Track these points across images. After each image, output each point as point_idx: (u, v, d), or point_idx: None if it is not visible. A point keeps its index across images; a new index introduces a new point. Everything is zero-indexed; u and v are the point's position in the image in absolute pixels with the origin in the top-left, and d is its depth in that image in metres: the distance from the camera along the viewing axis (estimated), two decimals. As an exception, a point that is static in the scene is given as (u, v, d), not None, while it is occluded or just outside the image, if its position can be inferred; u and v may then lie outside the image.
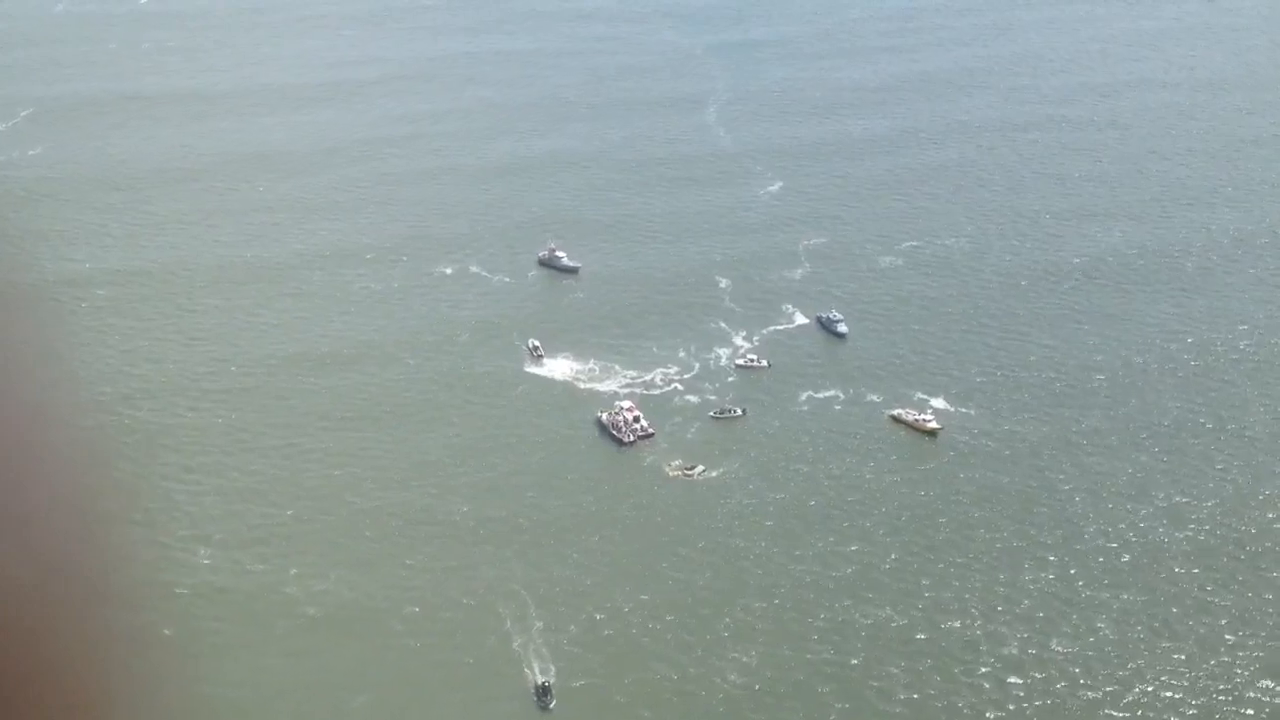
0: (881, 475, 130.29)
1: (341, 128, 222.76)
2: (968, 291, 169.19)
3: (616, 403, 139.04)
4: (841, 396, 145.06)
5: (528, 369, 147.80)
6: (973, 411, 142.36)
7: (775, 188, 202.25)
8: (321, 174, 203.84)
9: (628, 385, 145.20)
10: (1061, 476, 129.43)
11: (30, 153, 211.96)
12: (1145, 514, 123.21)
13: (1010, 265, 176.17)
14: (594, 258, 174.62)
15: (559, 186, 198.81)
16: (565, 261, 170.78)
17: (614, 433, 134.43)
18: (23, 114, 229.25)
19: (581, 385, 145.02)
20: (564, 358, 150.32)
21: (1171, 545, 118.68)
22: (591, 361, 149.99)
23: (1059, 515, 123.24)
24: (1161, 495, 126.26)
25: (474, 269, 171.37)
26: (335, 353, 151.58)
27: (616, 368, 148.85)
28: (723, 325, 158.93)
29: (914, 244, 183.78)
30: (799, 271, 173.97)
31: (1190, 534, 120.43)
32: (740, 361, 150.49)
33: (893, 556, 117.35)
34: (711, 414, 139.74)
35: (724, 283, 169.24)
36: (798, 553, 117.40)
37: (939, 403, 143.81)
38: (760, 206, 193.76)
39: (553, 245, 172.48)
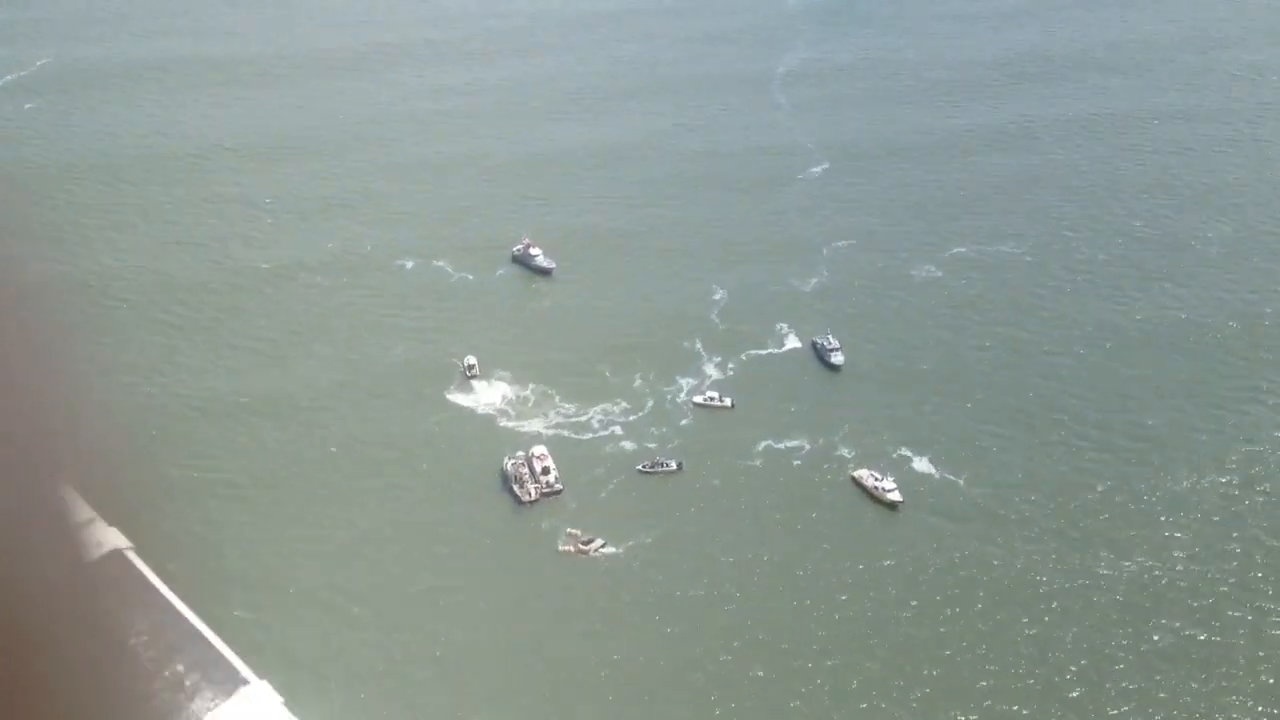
0: (819, 563, 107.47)
1: (360, 103, 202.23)
2: (1007, 323, 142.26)
3: (525, 450, 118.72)
4: (806, 448, 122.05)
5: (450, 395, 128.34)
6: (960, 482, 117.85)
7: (818, 170, 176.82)
8: (331, 159, 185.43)
9: (557, 425, 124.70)
10: (1029, 619, 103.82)
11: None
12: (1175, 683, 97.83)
13: (1067, 301, 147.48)
14: (577, 256, 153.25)
15: (572, 178, 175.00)
16: (539, 260, 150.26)
17: (514, 487, 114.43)
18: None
19: (503, 422, 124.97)
20: (499, 380, 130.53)
21: None
22: (530, 387, 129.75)
23: (1022, 660, 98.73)
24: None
25: (439, 263, 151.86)
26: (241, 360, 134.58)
27: (555, 398, 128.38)
28: (698, 347, 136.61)
29: (960, 250, 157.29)
30: (812, 281, 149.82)
31: None
32: (699, 399, 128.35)
33: (798, 695, 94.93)
34: (640, 467, 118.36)
35: (719, 294, 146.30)
36: (681, 679, 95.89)
37: (922, 464, 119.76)
38: (792, 197, 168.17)
39: (527, 240, 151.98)
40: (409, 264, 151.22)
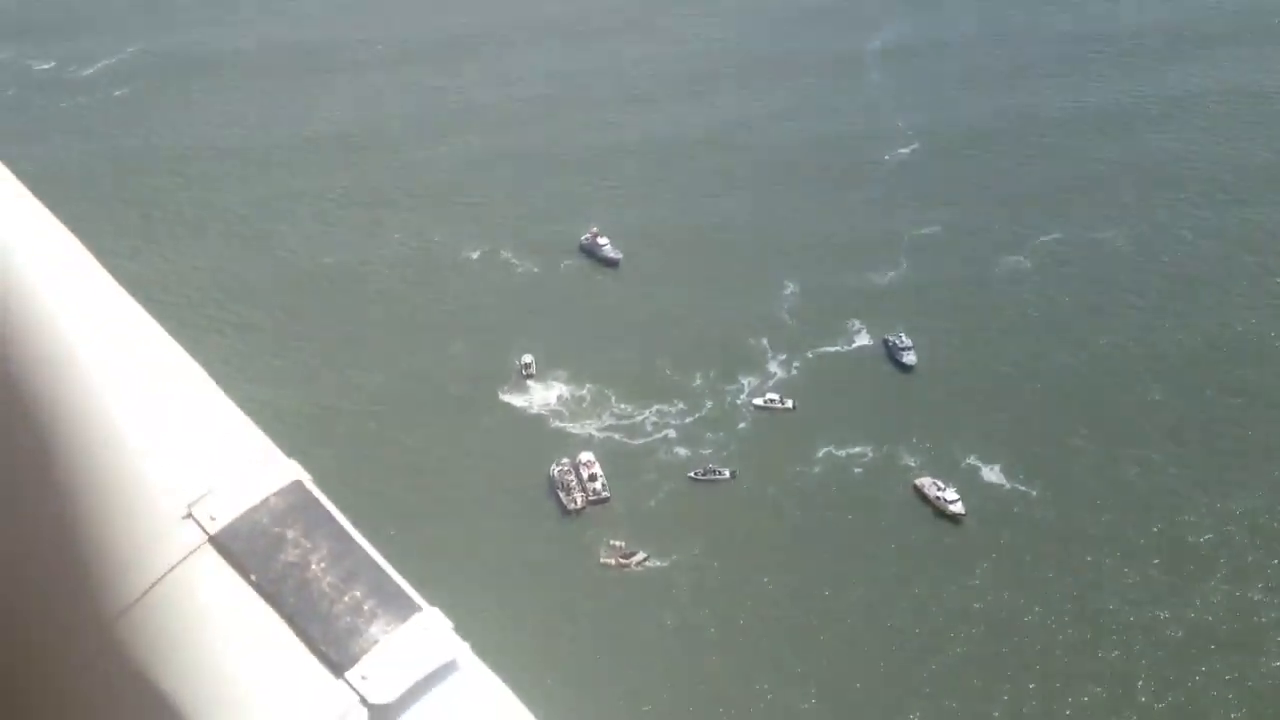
0: (872, 585, 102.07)
1: (434, 92, 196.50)
2: (1098, 321, 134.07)
3: (573, 456, 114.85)
4: (869, 455, 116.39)
5: (504, 395, 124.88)
6: (1034, 493, 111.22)
7: (906, 152, 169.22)
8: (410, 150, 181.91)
9: (610, 428, 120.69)
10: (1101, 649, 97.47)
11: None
12: None
13: (1169, 301, 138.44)
14: (647, 247, 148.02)
15: (650, 167, 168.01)
16: (606, 251, 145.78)
17: (560, 494, 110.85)
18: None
19: (555, 423, 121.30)
20: (556, 380, 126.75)
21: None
22: (587, 387, 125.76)
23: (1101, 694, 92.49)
24: None
25: (505, 254, 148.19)
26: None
27: (612, 398, 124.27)
28: (764, 344, 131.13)
29: (1055, 237, 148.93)
30: (890, 274, 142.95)
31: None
32: (759, 401, 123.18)
33: None
34: (692, 474, 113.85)
35: (791, 288, 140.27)
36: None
37: (992, 474, 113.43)
38: (875, 183, 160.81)
39: (594, 230, 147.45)
40: (474, 255, 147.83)
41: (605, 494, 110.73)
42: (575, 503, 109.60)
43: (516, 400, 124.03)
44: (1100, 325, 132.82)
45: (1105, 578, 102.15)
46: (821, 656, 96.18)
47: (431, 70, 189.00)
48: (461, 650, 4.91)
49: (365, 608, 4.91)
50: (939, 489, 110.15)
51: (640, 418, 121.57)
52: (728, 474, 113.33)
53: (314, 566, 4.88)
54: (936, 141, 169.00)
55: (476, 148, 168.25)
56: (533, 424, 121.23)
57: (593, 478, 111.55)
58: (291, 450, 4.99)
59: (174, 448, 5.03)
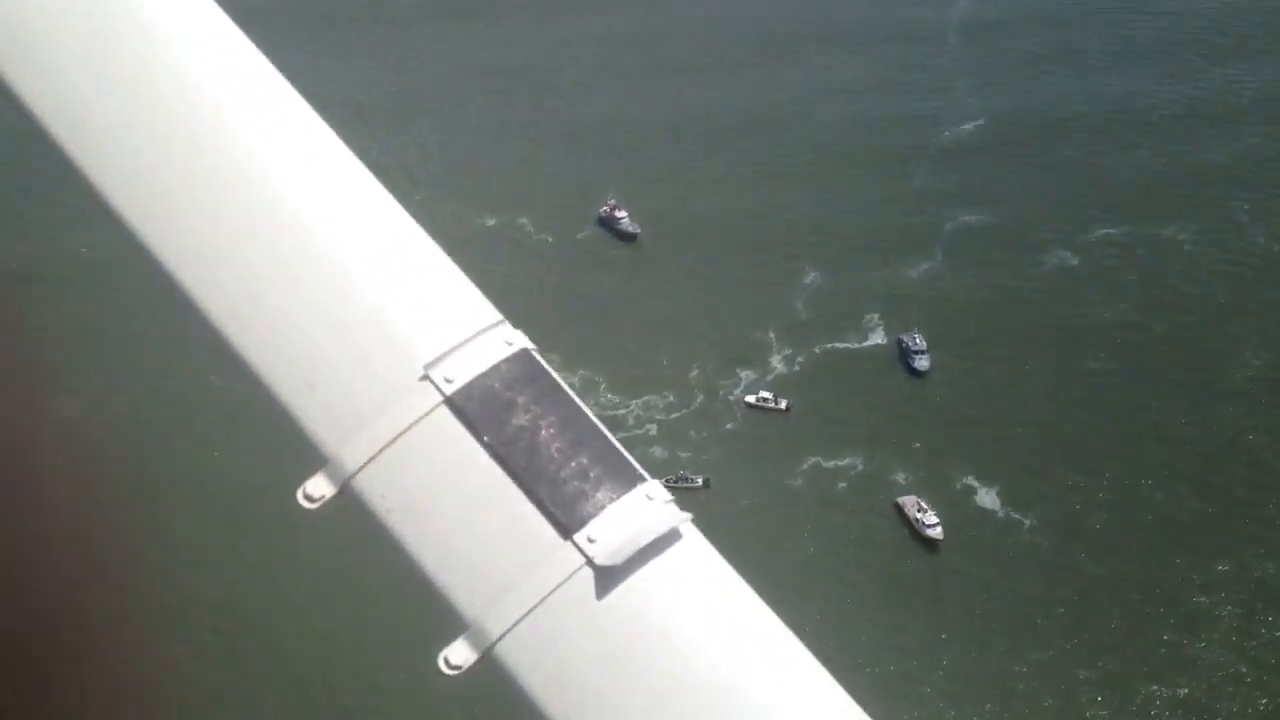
0: (837, 618, 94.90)
1: (474, 53, 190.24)
2: (1143, 334, 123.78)
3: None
4: (859, 467, 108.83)
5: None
6: (1028, 523, 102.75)
7: (971, 131, 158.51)
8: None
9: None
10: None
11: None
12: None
13: (1229, 313, 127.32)
14: (669, 224, 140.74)
15: (693, 139, 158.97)
16: (624, 224, 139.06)
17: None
18: None
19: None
20: (548, 363, 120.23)
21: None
22: (579, 373, 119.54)
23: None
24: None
25: (521, 220, 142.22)
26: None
27: (601, 386, 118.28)
28: (770, 337, 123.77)
29: (1108, 231, 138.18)
30: (922, 266, 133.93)
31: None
32: (751, 398, 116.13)
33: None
34: (664, 481, 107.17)
35: (812, 275, 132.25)
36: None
37: (987, 498, 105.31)
38: (928, 166, 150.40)
39: (613, 202, 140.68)
40: (490, 221, 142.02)
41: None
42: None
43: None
44: (1150, 341, 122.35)
45: (1083, 630, 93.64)
46: None
47: (465, 31, 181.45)
48: (684, 521, 5.06)
49: (592, 474, 5.05)
50: (920, 510, 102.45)
51: (625, 410, 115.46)
52: (700, 482, 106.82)
53: (544, 432, 4.99)
54: (1005, 126, 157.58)
55: (512, 111, 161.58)
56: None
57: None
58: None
59: (411, 310, 5.16)
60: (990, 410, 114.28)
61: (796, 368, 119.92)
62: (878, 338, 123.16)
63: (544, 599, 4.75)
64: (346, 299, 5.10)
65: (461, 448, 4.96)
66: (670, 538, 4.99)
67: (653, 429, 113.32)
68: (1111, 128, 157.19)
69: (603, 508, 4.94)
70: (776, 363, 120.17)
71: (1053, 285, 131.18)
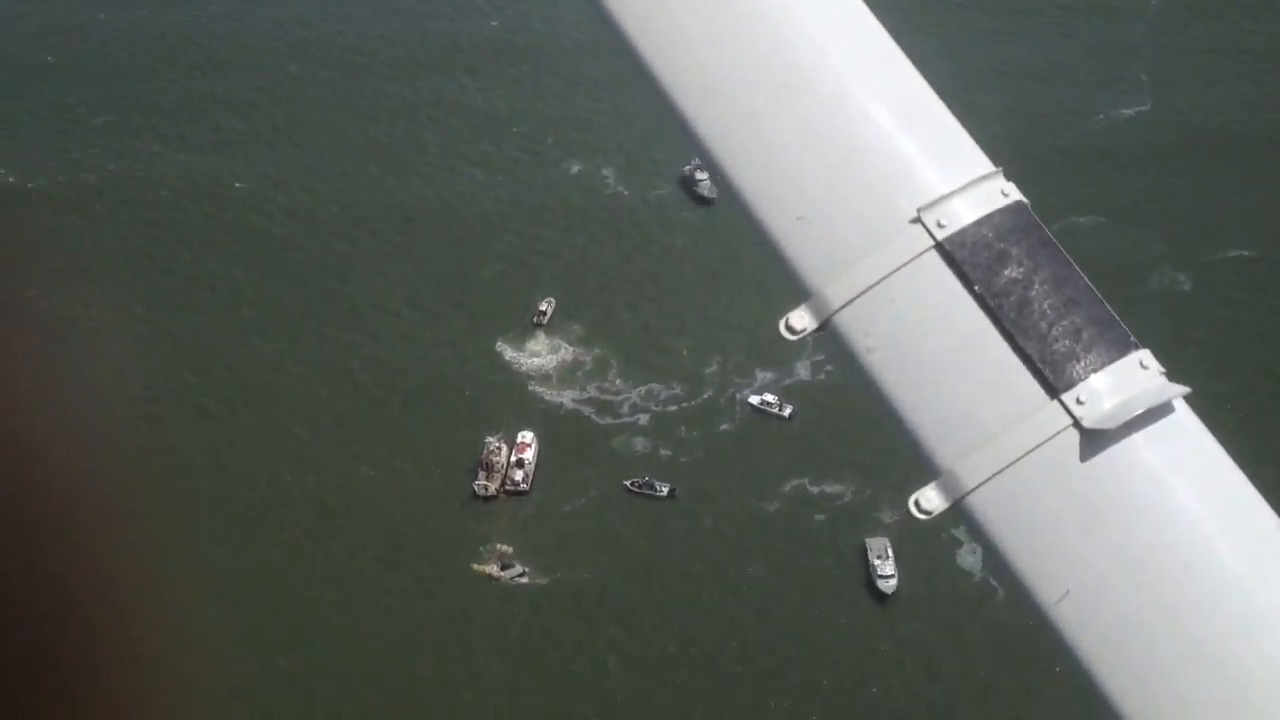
0: (760, 641, 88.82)
1: None
2: (1236, 376, 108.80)
3: (513, 432, 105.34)
4: (846, 498, 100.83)
5: (500, 343, 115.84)
6: (1000, 594, 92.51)
7: (1131, 112, 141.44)
8: None
9: (586, 401, 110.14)
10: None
11: None
12: None
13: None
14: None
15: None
16: (703, 188, 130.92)
17: (481, 472, 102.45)
18: None
19: (533, 386, 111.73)
20: (565, 336, 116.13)
21: None
22: (595, 350, 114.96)
23: None
24: None
25: (605, 171, 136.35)
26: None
27: (613, 367, 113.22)
28: (809, 337, 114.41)
29: (1244, 253, 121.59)
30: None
31: None
32: (755, 400, 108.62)
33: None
34: (627, 483, 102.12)
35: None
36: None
37: (970, 557, 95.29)
38: (1061, 159, 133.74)
39: (696, 161, 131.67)
40: (575, 168, 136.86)
41: (524, 486, 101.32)
42: (487, 489, 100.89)
43: (510, 352, 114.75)
44: (1244, 395, 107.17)
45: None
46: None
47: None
48: (1179, 395, 4.79)
49: (1084, 335, 4.88)
50: (880, 556, 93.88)
51: (625, 395, 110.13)
52: (665, 491, 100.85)
53: (1036, 287, 4.87)
54: (1169, 126, 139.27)
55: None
56: (512, 383, 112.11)
57: (520, 463, 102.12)
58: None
59: (906, 153, 5.12)
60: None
61: (822, 375, 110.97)
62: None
63: (1024, 456, 4.60)
64: (847, 137, 4.99)
65: (949, 295, 4.83)
66: (1163, 410, 4.67)
67: (643, 419, 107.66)
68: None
69: (1094, 370, 4.71)
70: (802, 367, 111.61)
71: (1147, 309, 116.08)
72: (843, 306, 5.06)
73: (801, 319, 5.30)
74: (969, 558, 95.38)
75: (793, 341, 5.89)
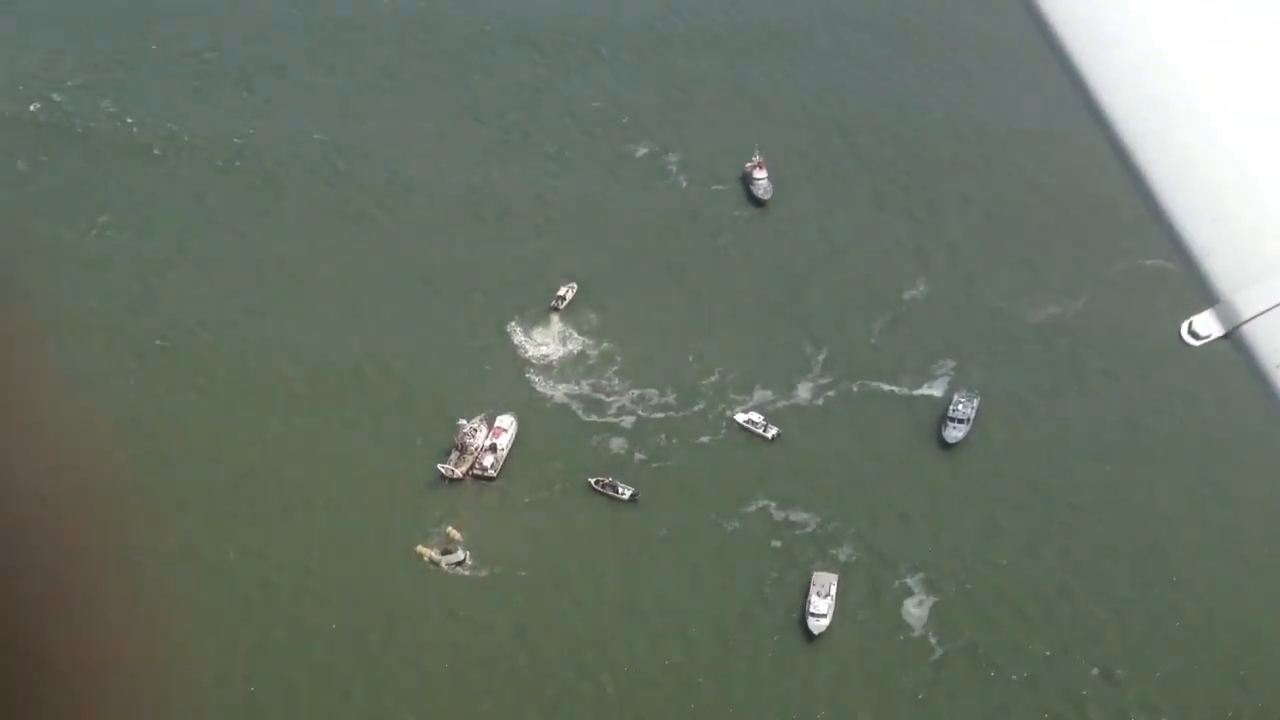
0: (686, 666, 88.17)
1: None
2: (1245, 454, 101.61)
3: (480, 419, 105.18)
4: (808, 528, 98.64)
5: (511, 324, 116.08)
6: (940, 654, 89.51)
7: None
8: None
9: (577, 394, 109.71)
10: None
11: None
12: None
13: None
14: (810, 192, 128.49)
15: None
16: (757, 188, 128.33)
17: (453, 454, 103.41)
18: None
19: (530, 374, 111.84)
20: (579, 325, 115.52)
21: None
22: (603, 344, 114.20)
23: None
24: None
25: (670, 157, 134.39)
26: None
27: (616, 364, 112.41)
28: (820, 358, 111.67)
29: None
30: (1049, 309, 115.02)
31: None
32: (741, 417, 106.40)
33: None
34: (592, 481, 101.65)
35: (914, 292, 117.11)
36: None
37: (917, 610, 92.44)
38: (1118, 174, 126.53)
39: (758, 159, 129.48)
40: (640, 151, 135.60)
41: (492, 473, 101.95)
42: (456, 472, 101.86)
43: (519, 336, 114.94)
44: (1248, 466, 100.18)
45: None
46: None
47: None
48: None
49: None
50: (819, 593, 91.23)
51: (616, 396, 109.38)
52: (627, 495, 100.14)
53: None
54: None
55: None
56: (511, 369, 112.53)
57: (493, 448, 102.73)
58: None
59: None
60: (1004, 512, 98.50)
61: (821, 400, 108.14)
62: (935, 389, 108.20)
63: None
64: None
65: None
66: None
67: (628, 421, 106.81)
68: None
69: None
70: (803, 389, 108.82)
71: (1200, 359, 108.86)
72: (1255, 316, 4.66)
73: (1206, 324, 4.74)
74: (914, 610, 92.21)
75: (1196, 348, 5.42)
